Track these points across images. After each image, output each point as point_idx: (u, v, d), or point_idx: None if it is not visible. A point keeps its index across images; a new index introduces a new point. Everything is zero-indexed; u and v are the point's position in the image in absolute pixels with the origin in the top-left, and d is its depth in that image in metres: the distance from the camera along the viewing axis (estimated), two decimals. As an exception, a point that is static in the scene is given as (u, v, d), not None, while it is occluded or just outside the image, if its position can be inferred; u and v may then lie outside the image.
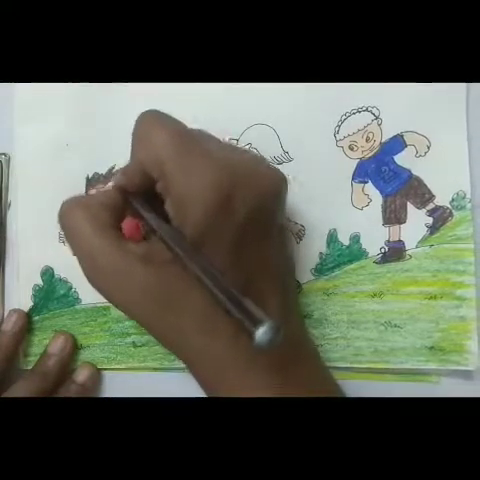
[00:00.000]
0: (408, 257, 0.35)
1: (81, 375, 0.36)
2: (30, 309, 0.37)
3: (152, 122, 0.29)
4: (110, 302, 0.31)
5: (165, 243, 0.28)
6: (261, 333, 0.22)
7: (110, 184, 0.36)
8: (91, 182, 0.37)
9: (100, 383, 0.37)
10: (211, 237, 0.28)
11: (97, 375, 0.37)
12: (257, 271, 0.28)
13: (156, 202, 0.29)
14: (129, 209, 0.31)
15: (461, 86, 0.35)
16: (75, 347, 0.37)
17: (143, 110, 0.35)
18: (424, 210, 0.35)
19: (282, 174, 0.30)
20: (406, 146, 0.35)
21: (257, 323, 0.22)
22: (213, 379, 0.30)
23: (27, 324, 0.37)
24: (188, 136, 0.29)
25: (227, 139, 0.35)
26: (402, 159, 0.35)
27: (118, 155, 0.36)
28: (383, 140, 0.35)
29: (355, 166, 0.35)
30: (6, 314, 0.37)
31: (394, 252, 0.35)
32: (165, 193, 0.29)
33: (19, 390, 0.35)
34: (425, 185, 0.35)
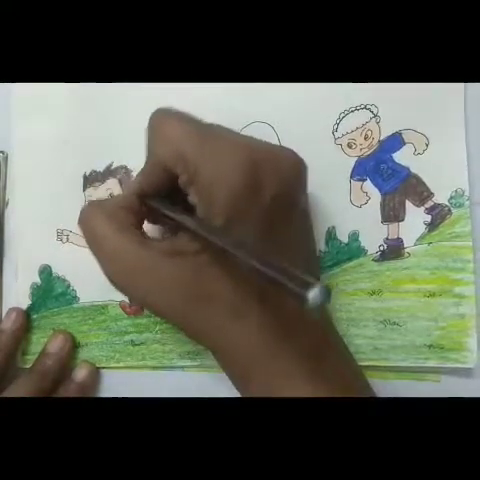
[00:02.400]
0: (407, 255, 0.35)
1: (80, 374, 0.36)
2: (28, 307, 0.37)
3: (166, 118, 0.30)
4: (136, 302, 0.30)
5: (194, 232, 0.28)
6: (313, 295, 0.22)
7: (109, 181, 0.36)
8: (88, 180, 0.37)
9: (98, 382, 0.37)
10: (239, 220, 0.28)
11: (96, 374, 0.37)
12: (283, 255, 0.28)
13: (174, 202, 0.29)
14: (149, 214, 0.31)
15: (459, 86, 0.35)
16: (74, 346, 0.37)
17: (141, 108, 0.35)
18: (423, 208, 0.35)
19: (301, 158, 0.30)
20: (404, 144, 0.35)
21: (307, 286, 0.22)
22: (244, 367, 0.30)
23: (26, 322, 0.37)
24: (205, 126, 0.29)
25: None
26: (400, 157, 0.35)
27: (115, 153, 0.36)
28: (381, 138, 0.35)
29: (354, 164, 0.35)
30: (5, 313, 0.37)
31: (393, 250, 0.35)
32: (189, 185, 0.28)
33: (18, 389, 0.35)
34: (423, 183, 0.35)
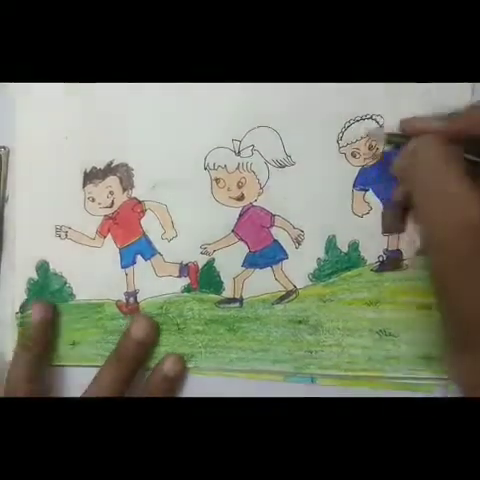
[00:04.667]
0: (406, 266, 0.35)
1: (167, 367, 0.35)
2: (23, 302, 0.37)
3: None
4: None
5: None
6: None
7: (109, 178, 0.36)
8: (89, 176, 0.36)
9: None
10: None
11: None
12: None
13: None
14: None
15: (466, 86, 0.34)
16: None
17: (142, 107, 0.35)
18: (423, 220, 0.35)
19: None
20: (408, 155, 0.35)
21: None
22: None
23: (53, 316, 0.36)
24: None
25: (230, 140, 0.35)
26: (404, 168, 0.35)
27: (116, 150, 0.36)
28: (385, 148, 0.35)
29: (357, 173, 0.35)
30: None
31: (392, 261, 0.35)
32: None
33: (104, 378, 0.35)
34: (425, 195, 0.35)
